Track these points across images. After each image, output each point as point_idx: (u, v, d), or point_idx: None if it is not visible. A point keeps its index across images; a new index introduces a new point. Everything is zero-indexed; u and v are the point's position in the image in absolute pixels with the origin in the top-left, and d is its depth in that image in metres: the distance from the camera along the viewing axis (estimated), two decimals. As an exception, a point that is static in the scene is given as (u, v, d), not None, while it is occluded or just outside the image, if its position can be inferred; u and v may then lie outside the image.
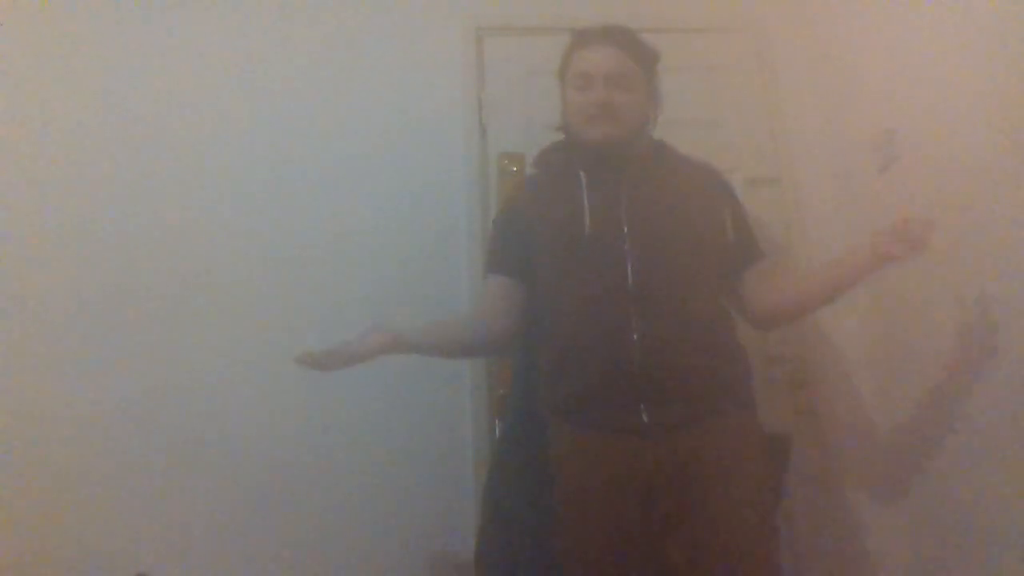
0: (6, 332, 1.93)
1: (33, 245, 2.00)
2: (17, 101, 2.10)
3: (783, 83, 2.27)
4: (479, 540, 1.63)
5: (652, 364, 1.42)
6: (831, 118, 2.17)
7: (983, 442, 1.60)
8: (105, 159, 2.09)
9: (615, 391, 1.43)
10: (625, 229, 1.52)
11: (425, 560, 1.90)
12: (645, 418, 1.41)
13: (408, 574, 1.90)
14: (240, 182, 2.11)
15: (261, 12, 2.23)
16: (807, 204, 2.18)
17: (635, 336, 1.43)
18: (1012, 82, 1.49)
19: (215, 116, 2.15)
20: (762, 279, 1.63)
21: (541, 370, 1.56)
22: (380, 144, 2.17)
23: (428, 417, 1.98)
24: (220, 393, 1.95)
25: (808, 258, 2.13)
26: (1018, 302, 1.50)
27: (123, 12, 2.19)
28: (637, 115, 1.63)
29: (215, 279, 2.03)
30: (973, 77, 1.59)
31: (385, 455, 1.95)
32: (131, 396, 1.92)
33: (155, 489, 1.88)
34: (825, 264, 1.61)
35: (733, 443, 1.43)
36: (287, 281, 2.05)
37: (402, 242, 2.09)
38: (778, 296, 1.61)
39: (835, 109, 2.15)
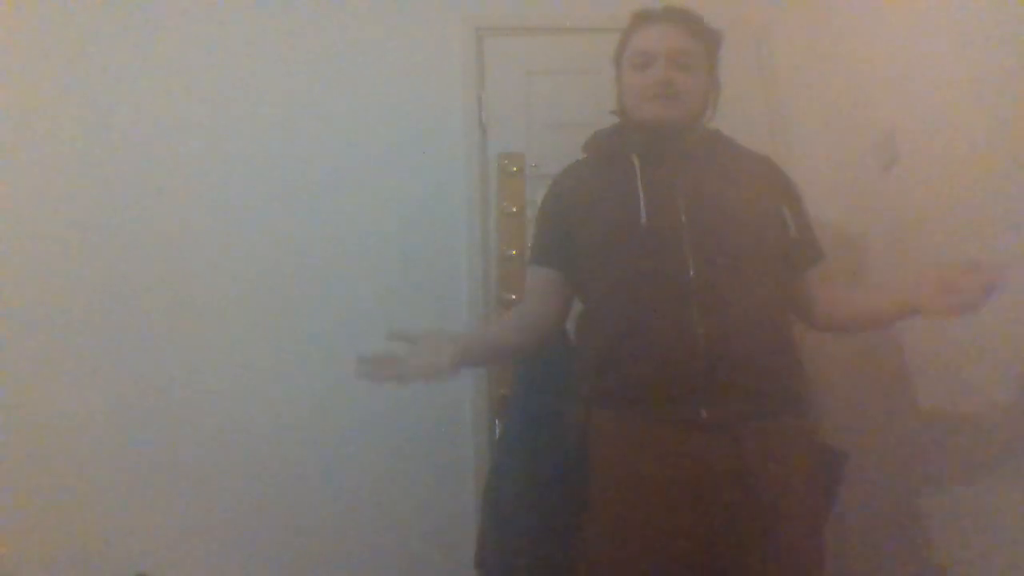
0: (6, 332, 1.93)
1: (33, 245, 2.00)
2: (17, 101, 2.10)
3: (783, 83, 2.27)
4: (479, 541, 1.63)
5: (716, 360, 1.35)
6: (831, 118, 2.17)
7: (983, 443, 1.59)
8: (106, 161, 2.09)
9: (675, 385, 1.36)
10: (683, 219, 1.44)
11: (425, 560, 1.90)
12: (704, 414, 1.34)
13: (408, 574, 1.90)
14: (240, 183, 2.11)
15: (262, 13, 2.24)
16: (807, 204, 2.18)
17: (700, 331, 1.36)
18: (1012, 82, 1.49)
19: (215, 117, 2.15)
20: (824, 280, 1.57)
21: (586, 361, 1.47)
22: (380, 144, 2.17)
23: (428, 417, 1.98)
24: (221, 394, 1.95)
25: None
26: (1018, 302, 1.49)
27: (125, 13, 2.19)
28: (699, 98, 1.55)
29: (216, 279, 2.03)
30: (973, 77, 1.59)
31: (385, 455, 1.95)
32: (131, 396, 1.92)
33: (155, 489, 1.88)
34: (892, 289, 1.51)
35: (793, 448, 1.38)
36: (288, 282, 2.05)
37: (402, 242, 2.09)
38: (843, 301, 1.54)
39: (835, 109, 2.15)
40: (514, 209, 2.02)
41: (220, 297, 2.02)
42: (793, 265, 1.54)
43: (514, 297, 1.92)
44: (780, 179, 1.62)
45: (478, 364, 1.50)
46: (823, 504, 1.42)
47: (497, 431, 1.87)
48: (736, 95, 2.26)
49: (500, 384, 1.91)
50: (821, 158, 2.19)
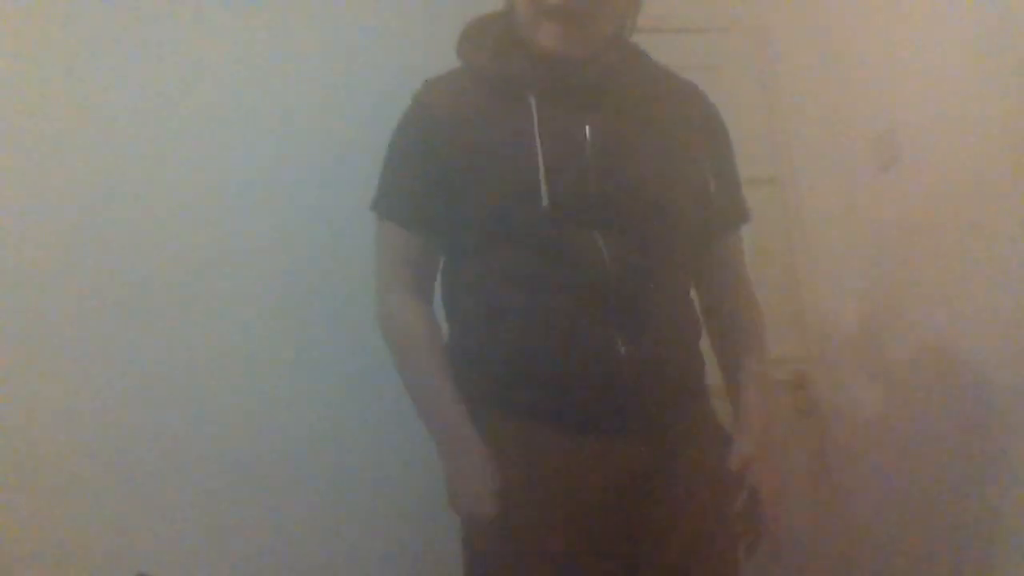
0: (5, 332, 1.93)
1: (32, 244, 2.00)
2: (16, 99, 2.10)
3: (783, 83, 2.27)
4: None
5: (641, 380, 1.15)
6: (831, 118, 2.17)
7: (984, 442, 1.59)
8: (100, 157, 2.08)
9: (593, 403, 1.15)
10: (592, 191, 1.15)
11: (426, 561, 1.90)
12: (624, 428, 1.15)
13: (408, 574, 1.90)
14: (235, 181, 2.10)
15: (258, 11, 2.23)
16: (807, 204, 2.18)
17: (622, 350, 1.13)
18: (1012, 82, 1.49)
19: (210, 114, 2.14)
20: (731, 258, 1.34)
21: (479, 365, 1.20)
22: (380, 144, 2.16)
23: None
24: (221, 393, 1.95)
25: (809, 258, 2.13)
26: (1018, 302, 1.49)
27: (124, 10, 2.19)
28: (615, 11, 1.22)
29: (215, 278, 2.03)
30: (973, 77, 1.59)
31: (391, 456, 1.95)
32: (132, 395, 1.92)
33: (155, 489, 1.87)
34: (755, 399, 1.27)
35: (707, 443, 1.23)
36: (286, 280, 2.05)
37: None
38: (733, 318, 1.31)
39: (835, 109, 2.15)
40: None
41: (220, 296, 2.01)
42: (708, 230, 1.29)
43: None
44: (707, 119, 1.34)
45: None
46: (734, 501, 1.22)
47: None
48: (736, 95, 2.28)
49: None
50: (821, 158, 2.19)
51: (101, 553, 1.81)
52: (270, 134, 2.15)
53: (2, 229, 1.99)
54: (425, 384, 1.22)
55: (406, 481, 1.94)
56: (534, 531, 1.11)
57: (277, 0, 2.25)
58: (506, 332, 1.17)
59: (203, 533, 1.86)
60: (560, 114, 1.17)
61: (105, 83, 2.14)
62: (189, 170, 2.10)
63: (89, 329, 1.96)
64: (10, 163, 2.04)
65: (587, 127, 1.17)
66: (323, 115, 2.18)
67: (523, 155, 1.15)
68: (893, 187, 1.88)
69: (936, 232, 1.72)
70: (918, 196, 1.78)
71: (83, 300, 1.98)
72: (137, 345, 1.96)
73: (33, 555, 1.80)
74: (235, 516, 1.88)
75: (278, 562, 1.87)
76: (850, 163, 2.07)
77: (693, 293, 1.34)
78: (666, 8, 2.26)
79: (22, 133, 2.07)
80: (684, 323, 1.25)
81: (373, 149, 2.18)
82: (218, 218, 2.08)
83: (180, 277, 2.02)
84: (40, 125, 2.09)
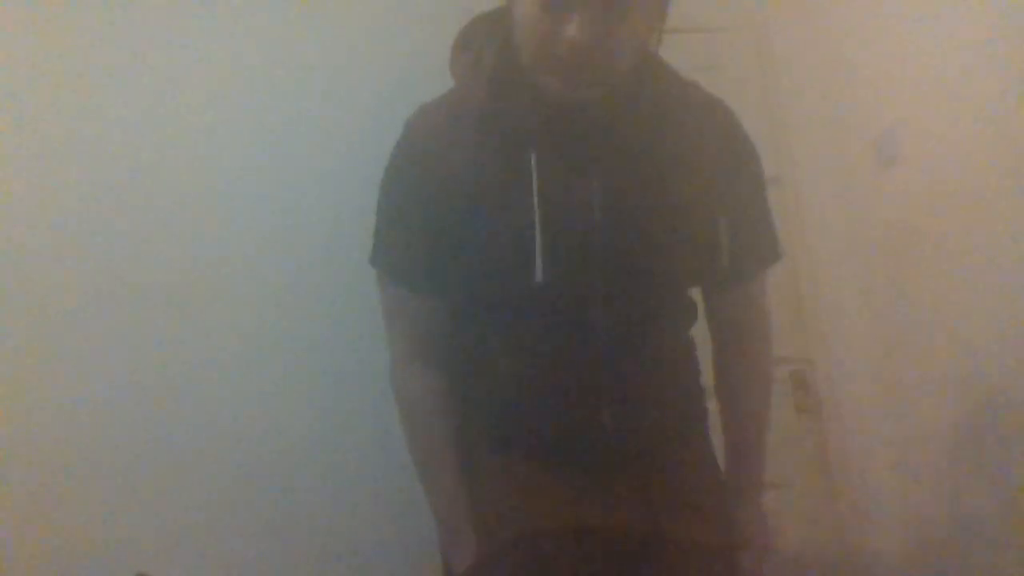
0: (4, 331, 1.93)
1: (32, 245, 2.00)
2: (16, 98, 2.09)
3: (783, 83, 2.27)
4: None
5: (626, 448, 1.11)
6: (831, 118, 2.17)
7: (984, 442, 1.59)
8: (100, 154, 2.08)
9: (579, 474, 1.10)
10: (594, 267, 1.06)
11: (427, 561, 1.90)
12: (611, 491, 1.11)
13: (408, 574, 1.90)
14: (235, 181, 2.10)
15: (258, 11, 2.23)
16: (807, 204, 2.18)
17: (608, 421, 1.08)
18: (1012, 82, 1.49)
19: (211, 114, 2.14)
20: (755, 300, 1.24)
21: (473, 413, 1.19)
22: (379, 144, 2.16)
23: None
24: (221, 393, 1.95)
25: (809, 258, 2.13)
26: (1018, 302, 1.49)
27: (124, 10, 2.19)
28: (637, 44, 1.04)
29: (215, 278, 2.03)
30: (973, 76, 1.59)
31: (386, 455, 1.95)
32: (131, 395, 1.92)
33: (155, 489, 1.87)
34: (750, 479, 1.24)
35: (701, 482, 1.19)
36: (287, 280, 2.05)
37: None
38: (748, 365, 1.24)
39: (835, 109, 2.15)
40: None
41: (221, 296, 2.01)
42: (726, 276, 1.19)
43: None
44: (733, 146, 1.20)
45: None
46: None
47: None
48: (736, 95, 2.27)
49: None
50: (821, 158, 2.19)
51: (101, 553, 1.81)
52: (271, 134, 2.15)
53: (2, 229, 2.00)
54: (429, 462, 1.22)
55: (406, 481, 1.94)
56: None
57: (278, 1, 2.26)
58: (492, 391, 1.14)
59: (203, 533, 1.86)
60: (564, 170, 1.05)
61: (105, 83, 2.14)
62: (189, 170, 2.10)
63: (89, 329, 1.96)
64: (10, 163, 2.05)
65: (594, 183, 1.05)
66: (324, 115, 2.18)
67: (519, 222, 1.04)
68: (893, 187, 1.88)
69: (936, 232, 1.72)
70: (918, 196, 1.78)
71: (83, 300, 1.98)
72: (137, 345, 1.96)
73: (33, 555, 1.80)
74: (235, 516, 1.88)
75: (278, 562, 1.87)
76: (850, 163, 2.07)
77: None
78: (666, 8, 2.26)
79: (22, 133, 2.07)
80: (678, 378, 1.19)
81: (373, 149, 2.18)
82: (218, 218, 2.07)
83: (180, 277, 2.02)
84: (40, 125, 2.08)
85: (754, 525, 1.20)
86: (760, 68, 2.28)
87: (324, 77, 2.21)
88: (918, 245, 1.79)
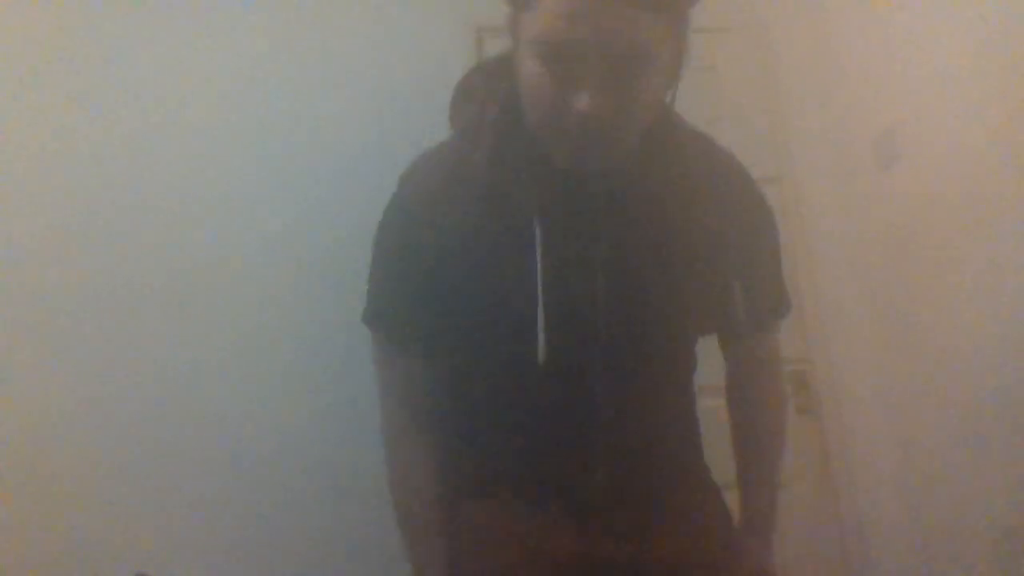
0: (4, 331, 1.93)
1: (32, 245, 2.00)
2: (17, 97, 2.10)
3: (783, 83, 2.27)
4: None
5: (618, 505, 1.04)
6: (831, 118, 2.17)
7: (983, 442, 1.59)
8: (98, 155, 2.08)
9: (568, 531, 1.04)
10: (599, 344, 1.00)
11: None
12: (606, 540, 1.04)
13: (407, 573, 1.89)
14: (236, 181, 2.11)
15: (259, 11, 2.23)
16: (807, 204, 2.18)
17: (600, 479, 1.02)
18: (1012, 82, 1.49)
19: (212, 114, 2.14)
20: (765, 354, 1.21)
21: (462, 454, 1.13)
22: (379, 144, 2.16)
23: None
24: (221, 392, 1.95)
25: (809, 258, 2.13)
26: (1018, 302, 1.49)
27: (125, 11, 2.19)
28: (649, 104, 0.96)
29: (214, 278, 2.03)
30: (973, 77, 1.59)
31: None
32: (131, 395, 1.92)
33: (155, 489, 1.87)
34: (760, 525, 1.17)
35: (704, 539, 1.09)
36: (288, 280, 2.05)
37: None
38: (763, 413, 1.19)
39: (835, 109, 2.15)
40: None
41: (221, 295, 2.01)
42: (734, 334, 1.16)
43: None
44: (744, 204, 1.12)
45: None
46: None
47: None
48: (736, 95, 2.28)
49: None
50: (821, 158, 2.19)
51: (101, 553, 1.81)
52: (271, 134, 2.15)
53: (2, 229, 2.00)
54: (415, 539, 1.21)
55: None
56: None
57: (279, 1, 2.26)
58: (484, 455, 1.09)
59: (203, 533, 1.86)
60: (569, 239, 0.98)
61: (106, 84, 2.14)
62: (189, 171, 2.11)
63: (89, 329, 1.96)
64: (10, 163, 2.05)
65: (600, 253, 0.98)
66: (325, 116, 2.18)
67: (521, 297, 0.97)
68: (893, 187, 1.88)
69: (936, 232, 1.72)
70: (918, 196, 1.78)
71: (83, 300, 1.98)
72: (137, 345, 1.96)
73: (33, 555, 1.79)
74: (235, 516, 1.88)
75: (278, 561, 1.87)
76: (850, 163, 2.07)
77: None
78: (666, 8, 2.26)
79: (22, 133, 2.07)
80: (676, 435, 1.12)
81: (374, 149, 2.19)
82: (218, 219, 2.08)
83: (180, 278, 2.02)
84: (41, 125, 2.09)
85: None
86: (760, 68, 2.28)
87: (324, 77, 2.21)
88: (918, 245, 1.80)
